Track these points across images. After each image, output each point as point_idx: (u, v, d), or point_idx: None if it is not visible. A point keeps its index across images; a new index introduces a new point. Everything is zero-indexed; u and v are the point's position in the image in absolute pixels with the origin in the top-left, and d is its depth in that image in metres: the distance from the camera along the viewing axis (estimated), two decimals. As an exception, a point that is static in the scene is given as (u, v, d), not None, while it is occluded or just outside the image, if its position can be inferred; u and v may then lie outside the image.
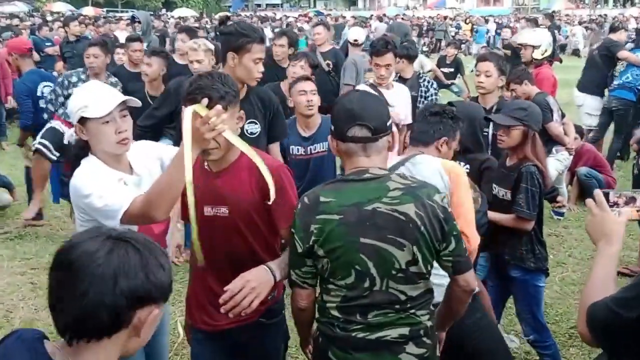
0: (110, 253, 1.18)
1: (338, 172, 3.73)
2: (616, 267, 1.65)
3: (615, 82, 7.25)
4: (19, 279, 4.59)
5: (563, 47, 21.48)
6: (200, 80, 2.00)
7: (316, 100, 3.86)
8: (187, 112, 1.82)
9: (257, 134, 3.30)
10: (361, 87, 4.53)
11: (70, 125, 4.57)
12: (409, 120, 4.63)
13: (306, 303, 2.02)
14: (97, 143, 2.15)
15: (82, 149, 2.20)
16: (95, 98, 2.10)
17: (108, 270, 1.16)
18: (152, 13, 35.84)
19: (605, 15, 31.88)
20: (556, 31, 14.77)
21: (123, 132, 2.13)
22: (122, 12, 39.03)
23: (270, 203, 2.01)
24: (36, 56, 9.63)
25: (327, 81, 6.69)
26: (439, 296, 2.08)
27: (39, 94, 5.39)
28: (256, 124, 3.30)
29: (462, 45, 21.20)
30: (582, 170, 6.16)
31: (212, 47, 4.49)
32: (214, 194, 2.11)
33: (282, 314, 2.39)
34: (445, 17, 29.04)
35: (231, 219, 2.12)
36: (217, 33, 3.49)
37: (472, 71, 8.37)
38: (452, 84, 10.47)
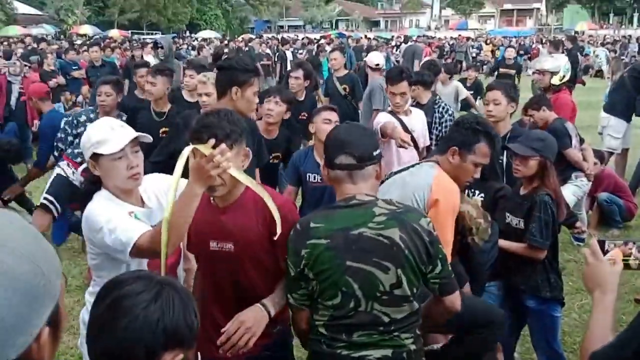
0: (158, 295, 1.27)
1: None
2: (613, 316, 1.64)
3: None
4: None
5: (587, 69, 21.25)
6: (206, 119, 2.05)
7: None
8: (186, 150, 1.87)
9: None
10: (383, 114, 4.62)
11: (77, 165, 4.64)
12: (427, 143, 4.71)
13: (305, 325, 2.14)
14: (109, 178, 2.20)
15: (94, 184, 2.25)
16: (108, 135, 2.15)
17: (154, 310, 1.24)
18: (176, 35, 36.67)
19: (630, 36, 31.55)
20: (578, 53, 14.64)
21: (134, 167, 2.17)
22: (147, 33, 39.88)
23: (276, 238, 2.06)
24: (62, 79, 9.92)
25: (343, 105, 6.82)
26: None
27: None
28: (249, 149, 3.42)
29: (484, 67, 21.19)
30: (603, 195, 6.09)
31: None
32: (220, 229, 2.16)
33: (290, 345, 2.42)
34: (468, 38, 29.06)
35: (235, 254, 2.16)
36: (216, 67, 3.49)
37: (480, 98, 8.39)
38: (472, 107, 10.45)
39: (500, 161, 3.64)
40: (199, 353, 2.35)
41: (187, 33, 44.88)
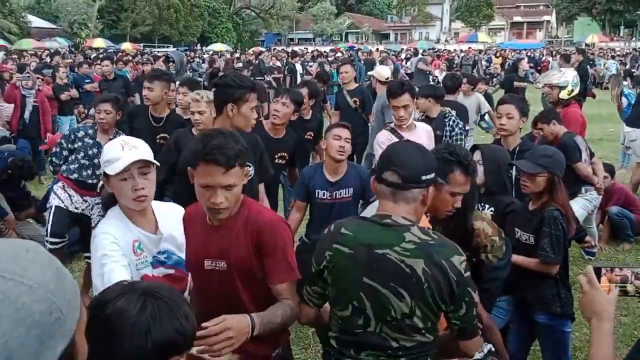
0: (142, 309, 1.27)
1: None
2: (612, 343, 1.61)
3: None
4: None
5: (600, 82, 21.15)
6: (214, 140, 2.01)
7: (348, 148, 3.87)
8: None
9: (251, 176, 3.41)
10: (382, 133, 4.52)
11: (72, 184, 4.58)
12: None
13: (305, 321, 2.18)
14: (119, 197, 2.25)
15: (110, 198, 2.31)
16: (117, 154, 2.18)
17: (140, 325, 1.25)
18: (187, 48, 36.94)
19: (640, 48, 31.48)
20: (588, 66, 14.61)
21: (139, 189, 2.18)
22: (159, 46, 40.25)
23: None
24: (75, 92, 10.04)
25: (354, 117, 6.85)
26: None
27: None
28: (250, 166, 3.40)
29: (494, 79, 21.16)
30: (614, 209, 6.07)
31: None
32: (213, 248, 2.15)
33: None
34: (480, 51, 29.07)
35: (229, 272, 2.14)
36: (212, 86, 3.45)
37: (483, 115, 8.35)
38: (482, 119, 10.46)
39: (510, 175, 3.65)
40: None
41: (199, 46, 45.27)
